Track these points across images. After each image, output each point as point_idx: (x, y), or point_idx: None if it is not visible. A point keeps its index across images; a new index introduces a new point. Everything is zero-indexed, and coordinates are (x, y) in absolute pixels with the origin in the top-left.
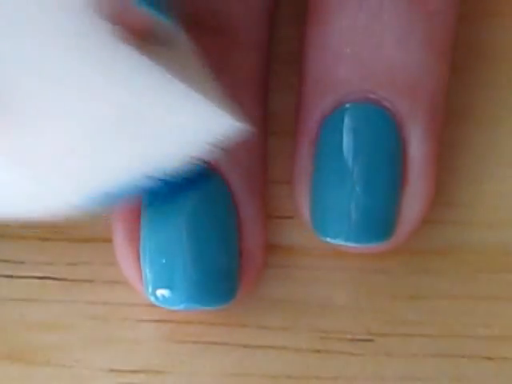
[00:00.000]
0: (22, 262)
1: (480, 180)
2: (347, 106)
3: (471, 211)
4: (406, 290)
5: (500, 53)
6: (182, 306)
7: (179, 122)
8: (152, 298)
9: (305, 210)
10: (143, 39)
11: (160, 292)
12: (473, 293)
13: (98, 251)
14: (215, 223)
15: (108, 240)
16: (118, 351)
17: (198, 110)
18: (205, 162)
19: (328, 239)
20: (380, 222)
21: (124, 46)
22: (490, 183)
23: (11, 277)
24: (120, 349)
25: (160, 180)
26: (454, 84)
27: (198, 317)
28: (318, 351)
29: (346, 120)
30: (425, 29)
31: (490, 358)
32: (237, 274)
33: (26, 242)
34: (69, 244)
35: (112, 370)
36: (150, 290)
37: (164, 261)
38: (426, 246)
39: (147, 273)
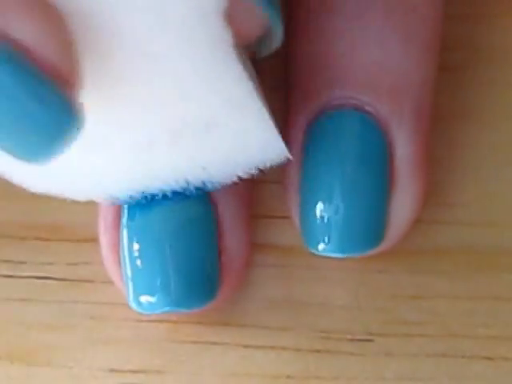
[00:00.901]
0: (22, 262)
1: (480, 180)
2: (329, 113)
3: (471, 211)
4: (406, 290)
5: (500, 53)
6: (162, 311)
7: (250, 138)
8: (134, 305)
9: (296, 219)
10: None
11: (142, 298)
12: (473, 293)
13: (97, 251)
14: (192, 224)
15: None
16: (118, 351)
17: (267, 133)
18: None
19: (317, 252)
20: (368, 231)
21: (232, 54)
22: (490, 183)
23: (11, 277)
24: (120, 349)
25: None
26: (454, 84)
27: (198, 317)
28: (318, 351)
29: (329, 127)
30: (406, 26)
31: (490, 358)
32: (217, 274)
33: (25, 242)
34: (69, 244)
35: (112, 370)
36: (132, 296)
37: (142, 266)
38: (426, 245)
39: (127, 279)
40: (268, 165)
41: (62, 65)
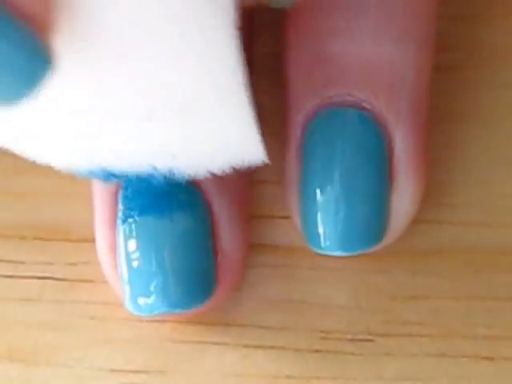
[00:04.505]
0: (22, 262)
1: (480, 180)
2: (327, 110)
3: (471, 211)
4: (406, 290)
5: (500, 53)
6: (159, 312)
7: (226, 133)
8: (130, 307)
9: (297, 218)
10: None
11: (139, 300)
12: (473, 293)
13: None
14: (187, 225)
15: None
16: (119, 351)
17: (247, 131)
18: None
19: (318, 249)
20: (369, 227)
21: (232, 36)
22: (490, 183)
23: (11, 277)
24: (120, 349)
25: (160, 177)
26: (454, 84)
27: (198, 317)
28: (318, 351)
29: (327, 125)
30: (401, 23)
31: (489, 358)
32: (213, 275)
33: (25, 242)
34: (69, 244)
35: (112, 370)
36: (129, 298)
37: (139, 268)
38: (425, 246)
39: (124, 282)
40: (243, 165)
41: (35, 7)
